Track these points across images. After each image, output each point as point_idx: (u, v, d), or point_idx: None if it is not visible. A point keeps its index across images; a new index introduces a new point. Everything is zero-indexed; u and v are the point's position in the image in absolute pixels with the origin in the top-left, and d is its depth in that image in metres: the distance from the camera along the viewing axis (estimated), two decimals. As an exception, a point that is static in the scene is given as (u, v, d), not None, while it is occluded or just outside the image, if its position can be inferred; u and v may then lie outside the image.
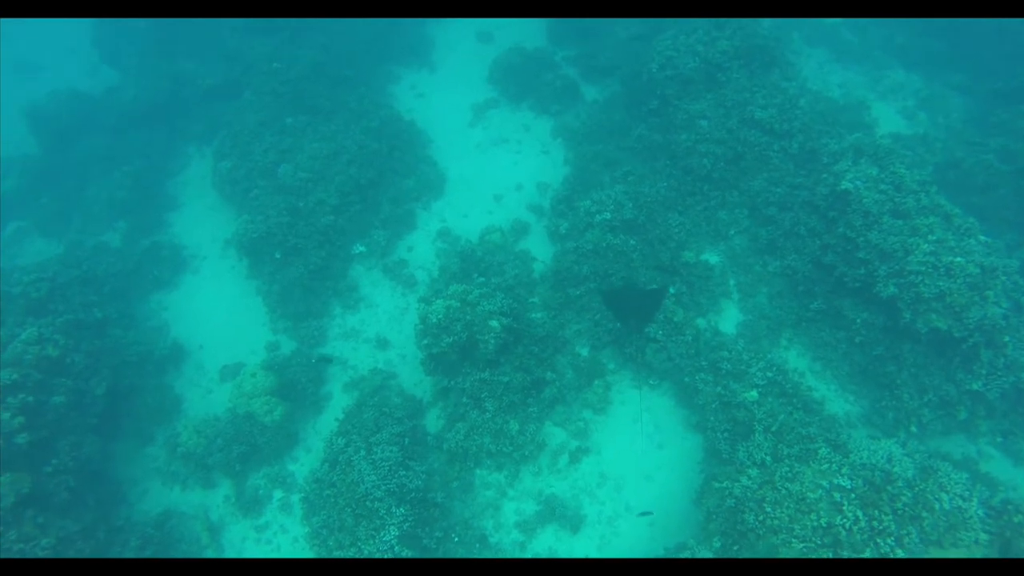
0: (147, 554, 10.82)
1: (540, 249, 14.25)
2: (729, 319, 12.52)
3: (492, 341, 11.12)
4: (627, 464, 11.07)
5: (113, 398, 12.36)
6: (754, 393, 10.28)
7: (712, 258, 13.31)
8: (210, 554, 11.27)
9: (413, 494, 10.41)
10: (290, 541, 11.32)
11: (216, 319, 14.76)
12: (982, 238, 10.67)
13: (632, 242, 12.48)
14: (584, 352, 12.40)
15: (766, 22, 17.32)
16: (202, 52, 20.28)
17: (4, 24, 28.78)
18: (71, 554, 10.18)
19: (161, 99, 19.25)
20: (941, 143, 14.55)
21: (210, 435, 12.21)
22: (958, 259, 10.04)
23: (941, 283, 9.93)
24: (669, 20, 17.62)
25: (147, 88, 19.44)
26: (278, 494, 11.87)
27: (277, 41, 19.01)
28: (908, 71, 17.28)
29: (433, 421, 12.16)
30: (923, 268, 10.11)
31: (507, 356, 11.58)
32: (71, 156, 19.09)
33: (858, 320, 11.22)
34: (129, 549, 10.81)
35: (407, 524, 9.98)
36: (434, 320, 11.10)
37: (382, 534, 9.83)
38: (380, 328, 13.94)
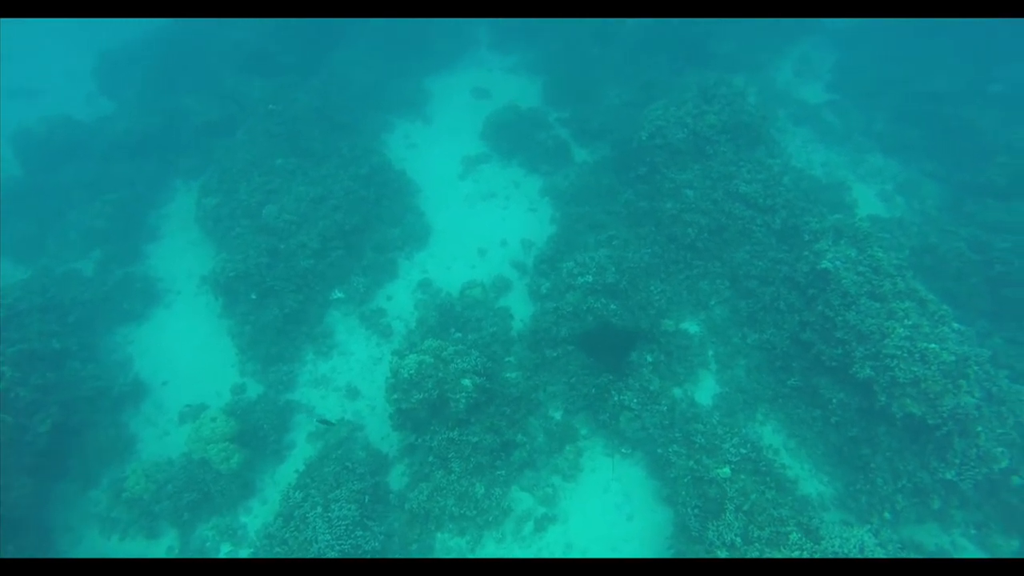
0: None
1: (520, 307, 14.13)
2: (706, 390, 12.36)
3: (463, 400, 10.84)
4: (594, 534, 10.64)
5: (60, 435, 11.79)
6: (727, 470, 10.03)
7: (692, 327, 13.27)
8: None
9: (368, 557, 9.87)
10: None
11: (183, 357, 14.31)
12: (956, 325, 10.75)
13: (612, 307, 12.40)
14: (557, 416, 12.11)
15: (752, 98, 18.01)
16: (201, 89, 20.56)
17: (4, 50, 29.13)
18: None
19: (154, 131, 19.35)
20: (917, 227, 14.90)
21: (160, 480, 11.61)
22: (932, 346, 10.07)
23: (916, 369, 9.92)
24: (660, 90, 18.31)
25: (141, 120, 19.54)
26: (225, 548, 11.21)
27: (276, 84, 19.33)
28: (887, 156, 17.89)
29: (397, 478, 11.68)
30: (899, 352, 10.11)
31: (478, 415, 11.27)
32: (54, 181, 18.92)
33: (834, 400, 11.12)
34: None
35: (359, 592, 9.40)
36: (406, 375, 10.83)
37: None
38: (352, 377, 13.57)
